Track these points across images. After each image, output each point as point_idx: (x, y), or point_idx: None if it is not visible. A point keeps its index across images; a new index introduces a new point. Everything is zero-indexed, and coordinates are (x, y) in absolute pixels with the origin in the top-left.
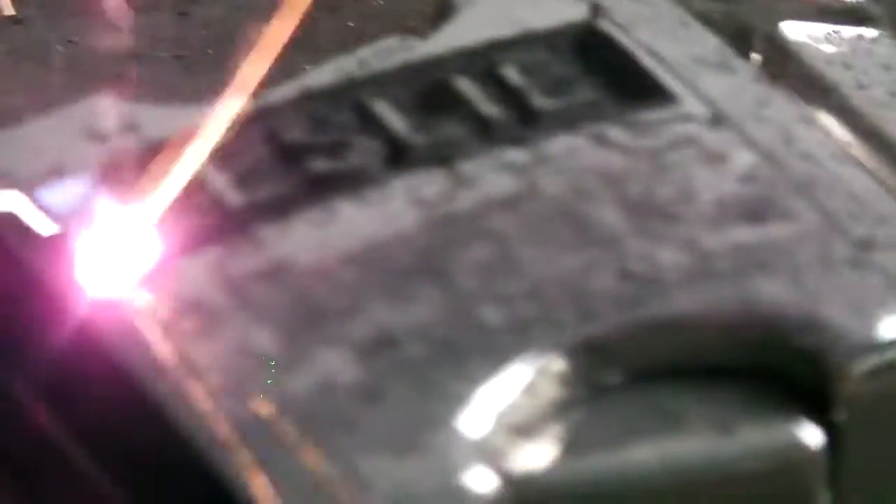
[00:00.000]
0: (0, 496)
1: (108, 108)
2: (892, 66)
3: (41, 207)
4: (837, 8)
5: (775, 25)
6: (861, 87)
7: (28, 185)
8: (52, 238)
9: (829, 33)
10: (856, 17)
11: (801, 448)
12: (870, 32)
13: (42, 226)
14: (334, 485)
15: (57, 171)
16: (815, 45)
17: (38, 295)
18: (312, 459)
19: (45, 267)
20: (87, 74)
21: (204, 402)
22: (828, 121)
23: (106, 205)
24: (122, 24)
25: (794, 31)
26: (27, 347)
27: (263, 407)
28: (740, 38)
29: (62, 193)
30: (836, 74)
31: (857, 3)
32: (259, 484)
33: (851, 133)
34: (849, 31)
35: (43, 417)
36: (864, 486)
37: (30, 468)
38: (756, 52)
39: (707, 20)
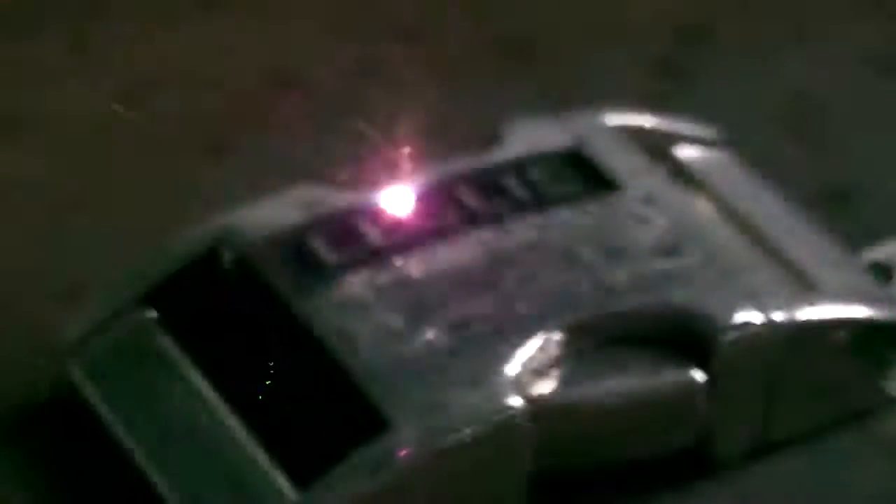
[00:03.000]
0: None
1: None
2: (734, 170)
3: None
4: (704, 139)
5: (672, 148)
6: (719, 182)
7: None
8: None
9: (703, 153)
10: (714, 143)
11: (695, 382)
12: (722, 152)
13: None
14: (432, 408)
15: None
16: (695, 160)
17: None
18: (419, 391)
19: None
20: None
21: (358, 356)
22: (704, 201)
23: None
24: None
25: (684, 151)
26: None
27: (392, 359)
28: (656, 155)
29: None
30: (705, 177)
31: (715, 135)
32: (392, 406)
33: (715, 208)
34: (711, 151)
35: None
36: (726, 401)
37: None
38: (663, 164)
39: (638, 146)
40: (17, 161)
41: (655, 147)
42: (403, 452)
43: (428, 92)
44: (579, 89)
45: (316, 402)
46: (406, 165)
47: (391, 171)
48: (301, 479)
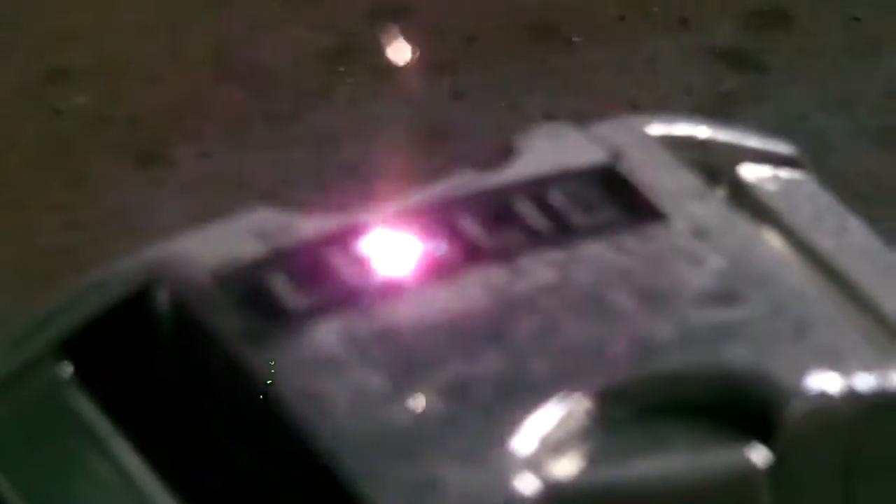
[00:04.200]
0: None
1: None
2: (814, 199)
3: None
4: (778, 157)
5: (735, 168)
6: (794, 212)
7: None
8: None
9: (772, 175)
10: (789, 163)
11: (751, 466)
12: (798, 175)
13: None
14: (423, 489)
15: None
16: (762, 182)
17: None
18: (408, 468)
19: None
20: None
21: (329, 422)
22: (771, 236)
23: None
24: None
25: (748, 172)
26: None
27: (372, 427)
28: (710, 177)
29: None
30: (776, 204)
31: (790, 153)
32: (372, 487)
33: (787, 244)
34: (785, 174)
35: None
36: (793, 492)
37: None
38: (722, 186)
39: (689, 163)
40: None
41: (713, 165)
42: None
43: (420, 81)
44: (620, 88)
45: (277, 484)
46: (391, 184)
47: (371, 191)
48: None
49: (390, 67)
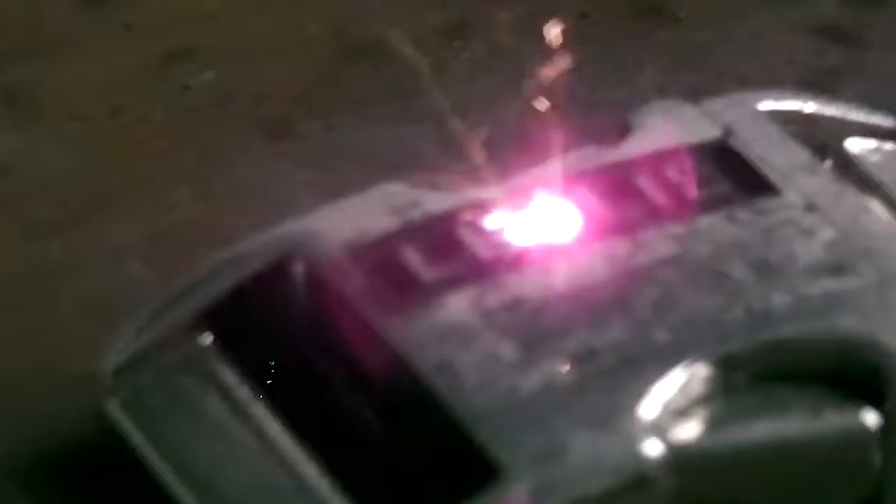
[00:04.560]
0: None
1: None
2: None
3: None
4: (882, 131)
5: (842, 142)
6: None
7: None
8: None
9: (877, 147)
10: (893, 136)
11: (864, 429)
12: None
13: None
14: (550, 454)
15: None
16: (867, 155)
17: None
18: (538, 434)
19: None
20: None
21: (461, 391)
22: (878, 207)
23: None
24: None
25: (855, 145)
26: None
27: (503, 395)
28: (819, 150)
29: None
30: (882, 175)
31: (893, 126)
32: (504, 451)
33: (893, 216)
34: (890, 147)
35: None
36: None
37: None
38: (829, 159)
39: (798, 138)
40: (24, 143)
41: (821, 140)
42: None
43: (535, 61)
44: (727, 62)
45: (412, 448)
46: (516, 161)
47: (497, 168)
48: None
49: (505, 43)
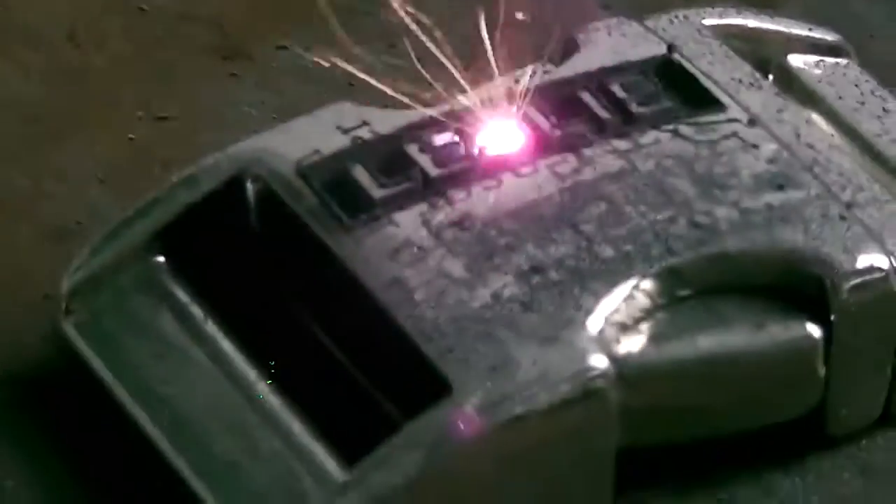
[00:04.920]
0: None
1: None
2: (859, 84)
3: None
4: (823, 45)
5: (784, 57)
6: (839, 98)
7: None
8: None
9: (818, 62)
10: (835, 51)
11: (808, 339)
12: (843, 61)
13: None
14: (499, 368)
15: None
16: (809, 70)
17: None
18: (487, 349)
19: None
20: None
21: (411, 307)
22: (819, 121)
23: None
24: None
25: (796, 60)
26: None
27: (452, 311)
28: (761, 65)
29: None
30: (823, 90)
31: (835, 41)
32: (454, 367)
33: (835, 129)
34: (830, 61)
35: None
36: (846, 362)
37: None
38: (772, 74)
39: (741, 53)
40: None
41: (764, 55)
42: (466, 422)
43: None
44: None
45: (363, 365)
46: (465, 78)
47: (446, 85)
48: (347, 456)
49: None
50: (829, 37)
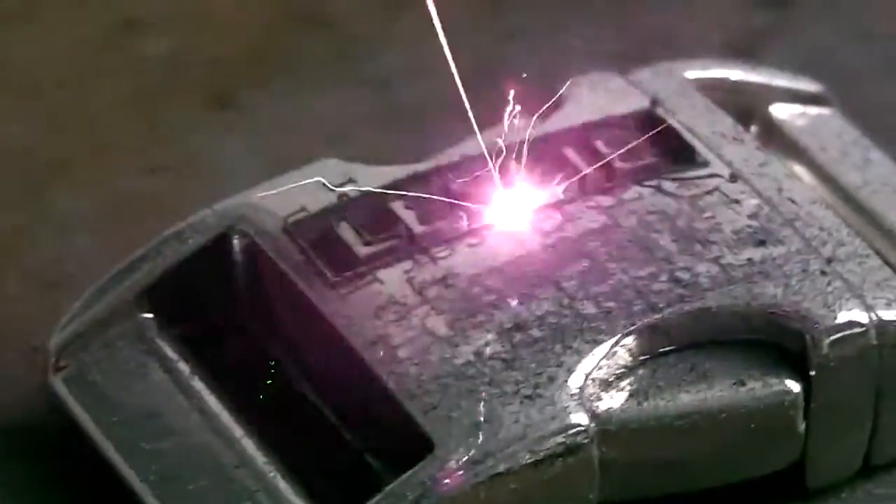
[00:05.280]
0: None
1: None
2: (842, 134)
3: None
4: (806, 95)
5: (767, 108)
6: (822, 149)
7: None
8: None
9: (801, 112)
10: (817, 100)
11: (788, 394)
12: (826, 111)
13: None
14: (482, 426)
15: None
16: (792, 120)
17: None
18: (469, 406)
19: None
20: None
21: (394, 365)
22: (802, 173)
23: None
24: None
25: (779, 111)
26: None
27: (435, 369)
28: (745, 116)
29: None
30: (806, 141)
31: (818, 91)
32: (435, 424)
33: (818, 181)
34: (813, 111)
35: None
36: (826, 416)
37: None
38: (755, 126)
39: (724, 105)
40: None
41: (747, 106)
42: (449, 479)
43: (471, 30)
44: (656, 28)
45: (347, 421)
46: (450, 130)
47: (432, 137)
48: None
49: (444, 13)
50: (812, 87)
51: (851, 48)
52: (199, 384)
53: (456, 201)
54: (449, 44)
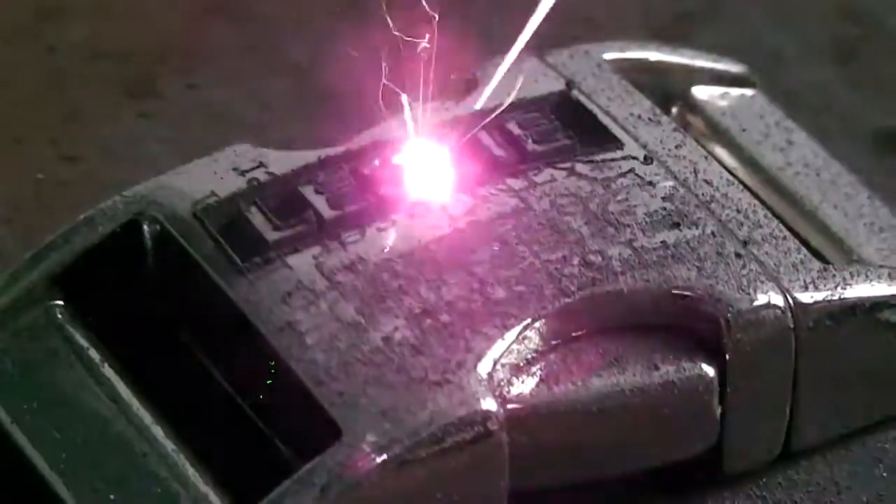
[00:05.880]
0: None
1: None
2: (764, 115)
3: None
4: (728, 76)
5: (689, 89)
6: (743, 130)
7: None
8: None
9: (723, 93)
10: (740, 82)
11: (703, 379)
12: (749, 92)
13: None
14: (389, 413)
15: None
16: (713, 102)
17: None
18: (377, 392)
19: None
20: None
21: (302, 351)
22: (722, 154)
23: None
24: None
25: (700, 92)
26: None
27: (345, 356)
28: (664, 100)
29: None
30: (727, 122)
31: (741, 72)
32: (343, 411)
33: (738, 162)
34: (735, 92)
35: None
36: (743, 401)
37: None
38: (676, 108)
39: (641, 88)
40: None
41: (668, 88)
42: (357, 465)
43: (389, 13)
44: (577, 7)
45: (256, 408)
46: (362, 115)
47: (344, 122)
48: (241, 500)
49: None
50: (735, 67)
51: (775, 29)
52: (109, 371)
53: (366, 186)
54: (363, 26)
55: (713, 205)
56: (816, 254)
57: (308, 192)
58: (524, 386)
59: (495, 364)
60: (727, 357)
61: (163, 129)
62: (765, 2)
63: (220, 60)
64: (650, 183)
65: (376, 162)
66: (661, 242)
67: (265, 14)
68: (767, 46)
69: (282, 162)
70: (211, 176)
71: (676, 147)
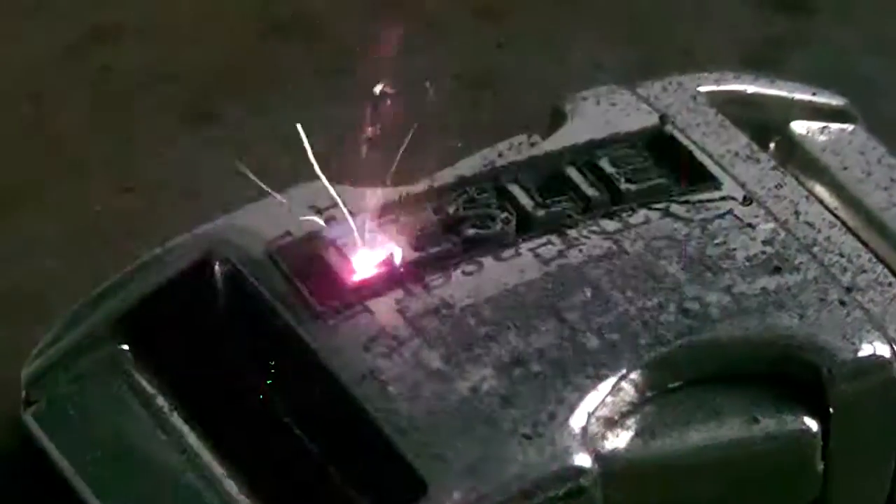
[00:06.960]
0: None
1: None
2: (866, 151)
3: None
4: (827, 110)
5: (786, 124)
6: (844, 168)
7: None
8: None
9: (822, 128)
10: (840, 116)
11: (805, 432)
12: (849, 127)
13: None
14: (477, 467)
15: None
16: (813, 137)
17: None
18: (464, 445)
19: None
20: None
21: (386, 402)
22: (823, 193)
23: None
24: None
25: (799, 127)
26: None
27: (429, 406)
28: (762, 133)
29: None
30: (827, 159)
31: (842, 105)
32: (430, 465)
33: (839, 202)
34: (836, 127)
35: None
36: (846, 455)
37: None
38: (773, 144)
39: (737, 122)
40: None
41: (764, 122)
42: None
43: (467, 37)
44: (670, 31)
45: (335, 460)
46: (444, 145)
47: (424, 155)
48: None
49: (437, 19)
50: (835, 101)
51: (870, 54)
52: (176, 419)
53: (451, 225)
54: (440, 53)
55: (815, 248)
56: None
57: (390, 231)
58: (618, 440)
59: (589, 417)
60: (830, 409)
61: (225, 159)
62: (859, 24)
63: (287, 85)
64: (750, 225)
65: (462, 200)
66: (762, 288)
67: (336, 35)
68: (862, 74)
69: (359, 200)
70: (285, 214)
71: (776, 187)
